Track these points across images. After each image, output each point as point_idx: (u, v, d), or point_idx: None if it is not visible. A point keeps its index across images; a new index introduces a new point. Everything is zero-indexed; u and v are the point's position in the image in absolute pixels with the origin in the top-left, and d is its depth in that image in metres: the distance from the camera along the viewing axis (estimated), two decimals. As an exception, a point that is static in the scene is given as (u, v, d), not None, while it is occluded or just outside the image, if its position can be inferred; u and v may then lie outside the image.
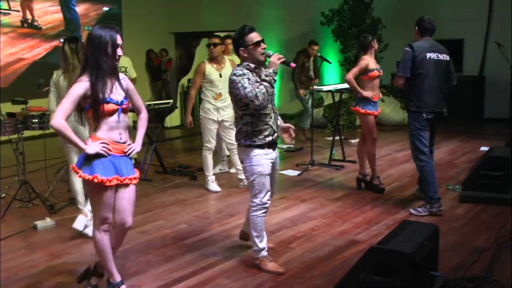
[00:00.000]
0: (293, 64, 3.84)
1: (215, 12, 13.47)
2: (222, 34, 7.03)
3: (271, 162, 3.81)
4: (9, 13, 10.43)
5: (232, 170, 6.85)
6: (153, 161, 7.14)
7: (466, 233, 4.58)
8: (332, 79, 11.92)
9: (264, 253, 3.87)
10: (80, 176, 3.20)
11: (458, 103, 9.16)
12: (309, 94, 8.34)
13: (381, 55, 10.13)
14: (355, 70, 5.86)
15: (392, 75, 9.86)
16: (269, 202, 3.85)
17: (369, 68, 5.82)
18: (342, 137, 8.10)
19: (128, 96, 3.33)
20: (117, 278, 3.40)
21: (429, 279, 3.25)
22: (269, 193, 3.83)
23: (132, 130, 3.37)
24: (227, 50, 6.81)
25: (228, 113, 5.95)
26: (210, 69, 6.00)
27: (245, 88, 3.58)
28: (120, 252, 3.74)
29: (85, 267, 3.58)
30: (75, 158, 4.42)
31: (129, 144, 3.33)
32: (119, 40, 3.18)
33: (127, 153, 3.30)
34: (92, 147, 3.15)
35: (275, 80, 3.66)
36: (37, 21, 10.90)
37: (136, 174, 3.37)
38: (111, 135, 3.23)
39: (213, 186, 6.18)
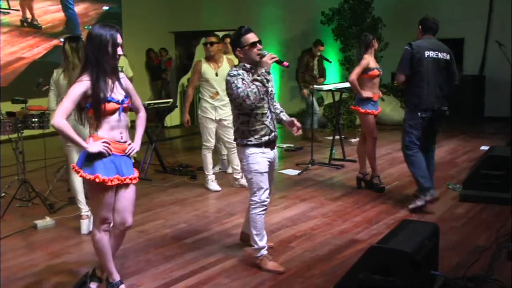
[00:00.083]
0: (286, 63, 3.78)
1: (215, 12, 13.47)
2: (221, 34, 7.02)
3: (268, 161, 3.82)
4: (8, 12, 10.42)
5: (229, 170, 6.83)
6: (153, 161, 7.13)
7: (466, 232, 4.58)
8: (332, 78, 11.91)
9: (264, 252, 3.87)
10: (81, 176, 3.20)
11: (459, 102, 9.15)
12: (310, 93, 8.33)
13: (381, 54, 10.13)
14: (358, 70, 5.84)
15: (392, 74, 9.87)
16: (268, 200, 3.85)
17: (369, 67, 5.83)
18: (342, 136, 8.11)
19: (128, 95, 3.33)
20: (116, 277, 3.41)
21: (429, 278, 3.25)
22: (267, 191, 3.83)
23: (130, 129, 3.37)
24: (228, 49, 6.78)
25: (226, 112, 5.93)
26: (207, 68, 5.99)
27: (238, 88, 3.61)
28: (120, 252, 3.73)
29: (81, 277, 3.56)
30: (75, 158, 4.41)
31: (129, 144, 3.33)
32: (119, 39, 3.18)
33: (127, 153, 3.30)
34: (94, 146, 3.14)
35: (267, 80, 3.66)
36: (36, 20, 10.89)
37: (136, 174, 3.37)
38: (112, 134, 3.22)
39: (213, 185, 6.18)
